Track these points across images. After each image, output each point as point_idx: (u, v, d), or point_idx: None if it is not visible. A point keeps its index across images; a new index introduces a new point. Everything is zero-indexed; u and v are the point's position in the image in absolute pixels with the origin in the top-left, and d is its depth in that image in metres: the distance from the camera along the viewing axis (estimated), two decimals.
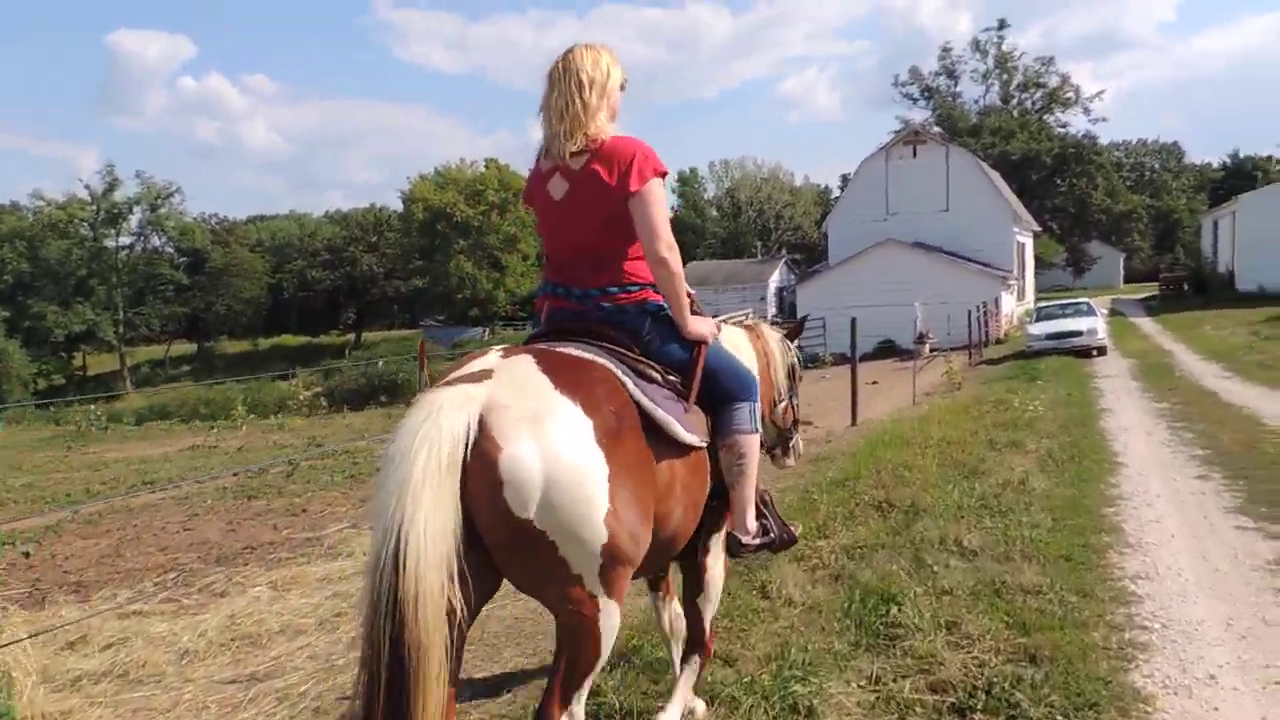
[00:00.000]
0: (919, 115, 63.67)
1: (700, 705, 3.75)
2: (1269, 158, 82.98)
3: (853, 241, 37.18)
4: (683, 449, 2.90)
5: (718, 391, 3.20)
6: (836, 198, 54.26)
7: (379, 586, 2.16)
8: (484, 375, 2.47)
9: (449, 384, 2.45)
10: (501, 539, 2.37)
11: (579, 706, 2.55)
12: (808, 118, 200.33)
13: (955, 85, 71.69)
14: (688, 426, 2.91)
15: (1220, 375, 16.89)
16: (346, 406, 35.82)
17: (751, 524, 3.36)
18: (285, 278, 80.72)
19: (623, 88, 3.16)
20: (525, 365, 2.54)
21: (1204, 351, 21.65)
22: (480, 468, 2.29)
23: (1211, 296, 39.64)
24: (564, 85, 3.01)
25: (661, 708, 3.54)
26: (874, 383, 21.07)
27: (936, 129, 51.60)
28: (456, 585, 2.21)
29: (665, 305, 3.11)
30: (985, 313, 29.15)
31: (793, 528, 3.80)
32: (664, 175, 3.04)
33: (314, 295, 79.61)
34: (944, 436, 10.00)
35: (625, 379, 2.77)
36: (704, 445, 3.05)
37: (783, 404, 4.21)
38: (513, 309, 71.70)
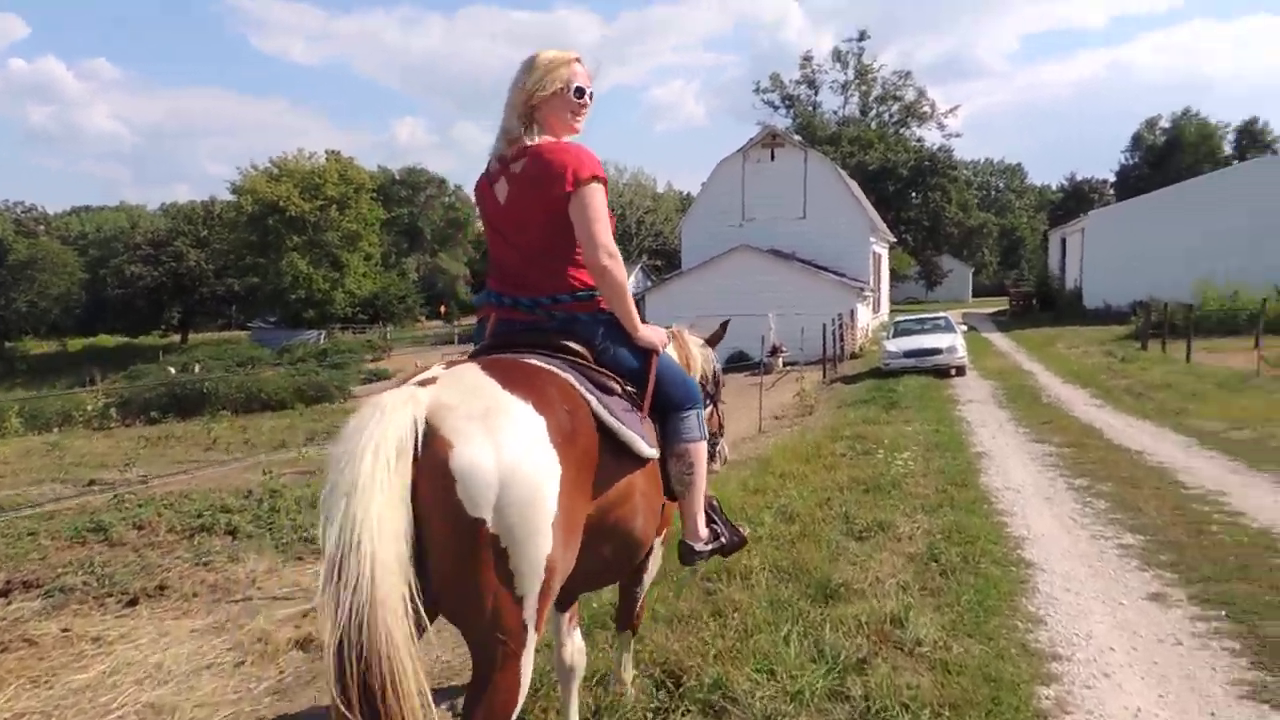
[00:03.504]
0: (780, 123, 62.92)
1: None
2: (1104, 181, 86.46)
3: (707, 246, 35.43)
4: (641, 459, 2.86)
5: (665, 400, 3.14)
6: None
7: (340, 596, 2.07)
8: (429, 381, 2.42)
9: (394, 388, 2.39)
10: (451, 544, 2.25)
11: None
12: (676, 126, 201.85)
13: (816, 95, 72.18)
14: (647, 439, 2.88)
15: (1091, 403, 15.43)
16: (140, 419, 31.54)
17: (703, 530, 3.32)
18: (107, 273, 73.86)
19: (581, 94, 3.08)
20: (471, 370, 2.52)
21: (1064, 373, 20.74)
22: (430, 468, 2.22)
23: (1060, 312, 39.99)
24: (511, 89, 3.03)
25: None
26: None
27: (796, 136, 50.67)
28: (413, 589, 2.14)
29: (613, 315, 3.06)
30: (841, 325, 27.69)
31: (741, 529, 3.70)
32: (603, 180, 2.95)
33: (134, 293, 72.98)
34: (785, 506, 7.43)
35: (586, 392, 2.71)
36: (657, 455, 3.01)
37: (707, 409, 3.85)
38: (352, 311, 67.48)
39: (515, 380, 2.46)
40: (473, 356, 2.86)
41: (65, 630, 5.62)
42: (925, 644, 4.31)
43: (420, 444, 2.21)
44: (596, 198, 2.89)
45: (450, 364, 2.59)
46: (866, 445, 11.00)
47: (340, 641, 2.07)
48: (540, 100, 3.00)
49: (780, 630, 4.45)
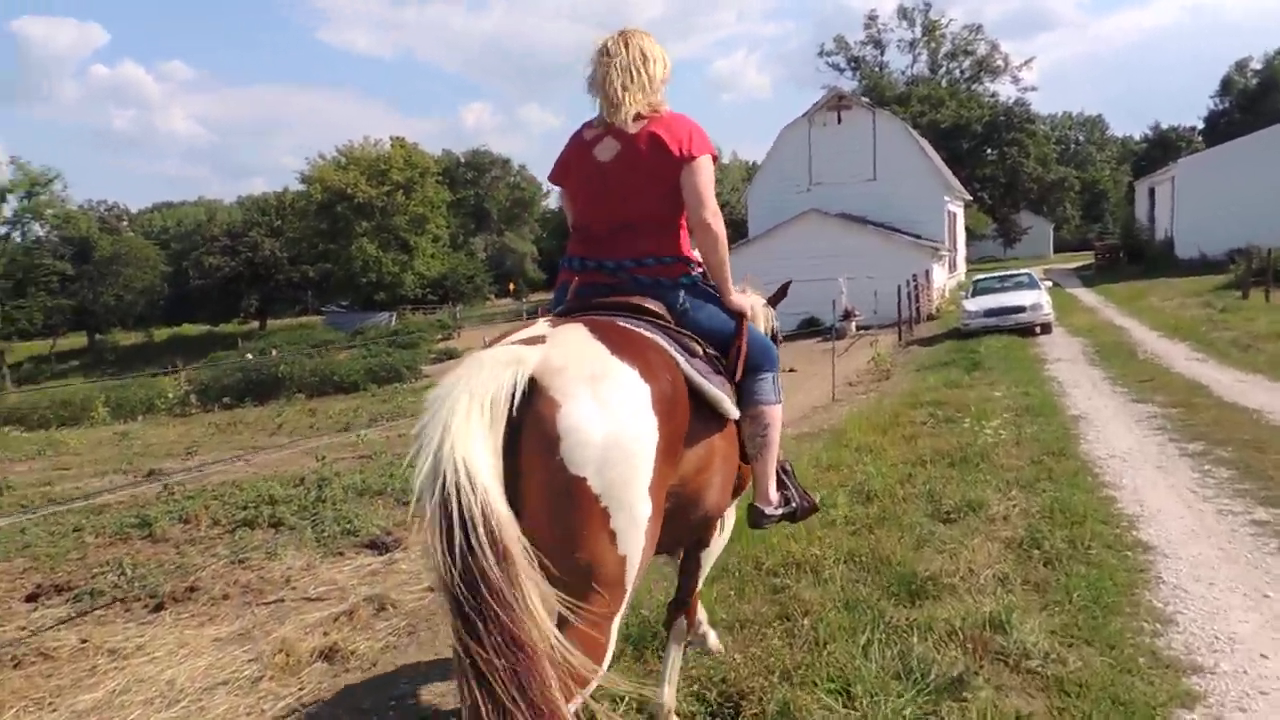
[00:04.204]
0: (846, 85, 61.18)
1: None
2: (1192, 128, 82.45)
3: (774, 213, 34.37)
4: (722, 422, 2.88)
5: (746, 362, 3.10)
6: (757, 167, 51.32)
7: (446, 521, 2.05)
8: (537, 340, 2.40)
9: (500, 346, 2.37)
10: (551, 500, 2.22)
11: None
12: (740, 97, 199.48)
13: (882, 55, 70.02)
14: (732, 401, 2.92)
15: (1193, 358, 14.21)
16: (218, 405, 32.03)
17: (774, 494, 3.28)
18: (188, 265, 75.57)
19: (665, 83, 3.16)
20: (579, 332, 2.49)
21: (1160, 327, 19.29)
22: (535, 425, 2.21)
23: (1150, 264, 37.94)
24: (627, 57, 3.04)
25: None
26: (791, 370, 17.94)
27: (864, 97, 49.04)
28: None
29: (697, 279, 3.10)
30: (916, 287, 26.64)
31: (812, 495, 3.65)
32: (715, 158, 3.06)
33: (213, 283, 74.55)
34: (861, 484, 6.71)
35: (674, 353, 2.71)
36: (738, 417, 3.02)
37: None
38: (422, 292, 67.88)
39: (622, 346, 2.45)
40: (561, 316, 2.81)
41: (84, 641, 5.25)
42: (1034, 655, 3.59)
43: (526, 402, 2.20)
44: (709, 168, 3.01)
45: (556, 322, 2.59)
46: (949, 412, 10.18)
47: (453, 571, 2.04)
48: (663, 83, 3.11)
49: (858, 639, 3.79)
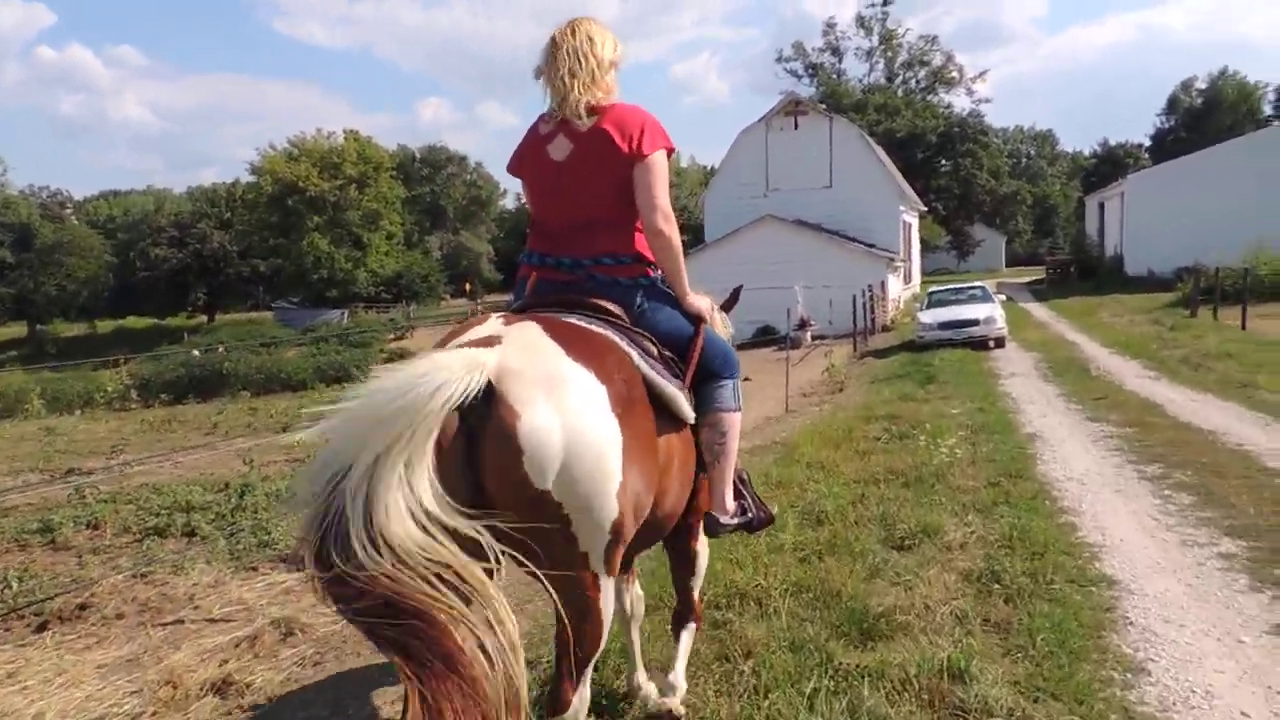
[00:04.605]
0: (804, 92, 61.19)
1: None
2: (1139, 145, 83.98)
3: (730, 218, 34.18)
4: (679, 425, 2.86)
5: (705, 368, 3.09)
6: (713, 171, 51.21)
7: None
8: (492, 340, 2.35)
9: (453, 347, 2.32)
10: (515, 511, 2.21)
11: (586, 686, 2.49)
12: (700, 101, 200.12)
13: (840, 63, 70.28)
14: (690, 402, 2.90)
15: (1145, 375, 14.14)
16: (158, 401, 30.99)
17: (730, 503, 3.25)
18: (135, 256, 73.71)
19: (615, 66, 3.08)
20: (533, 331, 2.44)
21: (1111, 343, 19.32)
22: (496, 436, 2.19)
23: (1100, 280, 38.38)
24: (574, 45, 2.96)
25: (667, 674, 3.59)
26: (746, 379, 17.59)
27: (821, 104, 49.06)
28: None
29: (656, 280, 3.07)
30: (871, 297, 26.48)
31: (769, 506, 3.61)
32: (671, 151, 2.98)
33: (160, 275, 72.80)
34: (811, 505, 6.35)
35: (631, 352, 2.68)
36: (694, 422, 2.99)
37: None
38: (376, 290, 66.83)
39: (576, 347, 2.41)
40: (516, 314, 2.76)
41: None
42: (997, 712, 3.23)
43: (484, 408, 2.17)
44: (663, 165, 2.94)
45: (509, 320, 2.54)
46: (903, 427, 9.90)
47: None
48: (611, 65, 3.03)
49: (804, 686, 3.43)
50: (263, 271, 73.44)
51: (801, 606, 4.42)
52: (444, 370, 2.11)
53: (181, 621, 5.32)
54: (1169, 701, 3.47)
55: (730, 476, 3.20)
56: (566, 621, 2.36)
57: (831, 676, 3.56)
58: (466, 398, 2.12)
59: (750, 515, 3.40)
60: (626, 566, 3.58)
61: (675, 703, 3.51)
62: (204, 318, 76.51)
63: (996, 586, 4.62)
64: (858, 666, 3.64)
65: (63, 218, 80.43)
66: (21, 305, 72.59)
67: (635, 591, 3.73)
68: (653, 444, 2.59)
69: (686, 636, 3.65)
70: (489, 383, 2.19)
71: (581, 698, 2.46)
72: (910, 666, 3.59)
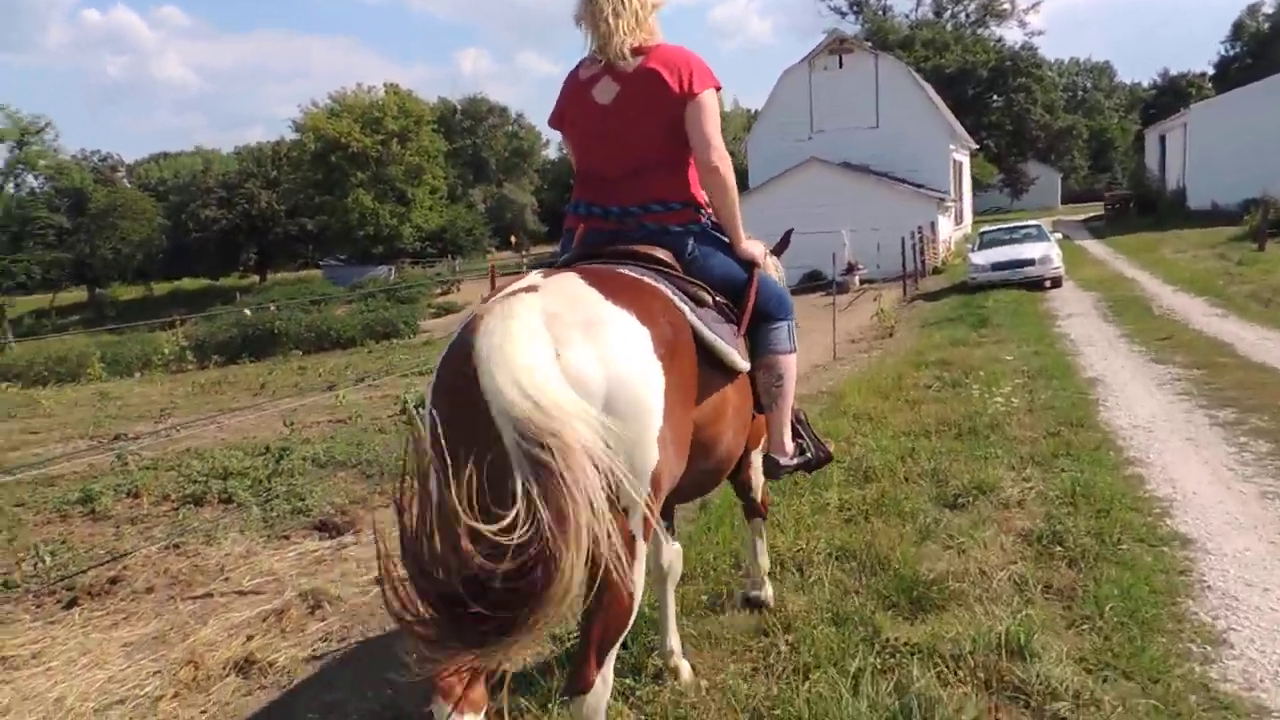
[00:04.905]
0: (849, 30, 59.60)
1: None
2: (1202, 74, 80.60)
3: (775, 162, 33.38)
4: (732, 372, 2.79)
5: (759, 312, 3.05)
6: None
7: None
8: (528, 289, 2.25)
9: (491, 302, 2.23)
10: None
11: (609, 668, 2.32)
12: (741, 44, 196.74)
13: None
14: (740, 352, 2.80)
15: (1211, 313, 13.50)
16: (214, 361, 31.41)
17: (789, 444, 3.23)
18: (187, 218, 74.59)
19: (657, 7, 2.99)
20: (572, 280, 2.38)
21: (1175, 280, 18.52)
22: None
23: (1161, 215, 36.85)
24: None
25: (749, 579, 4.02)
26: None
27: (866, 41, 47.68)
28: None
29: (706, 225, 2.98)
30: (920, 239, 25.78)
31: (828, 444, 3.63)
32: (719, 89, 2.91)
33: (210, 236, 73.61)
34: (858, 460, 6.05)
35: (680, 302, 2.60)
36: (748, 368, 2.94)
37: None
38: (421, 244, 66.91)
39: (617, 292, 2.35)
40: (564, 266, 2.72)
41: None
42: (1062, 695, 2.95)
43: None
44: (714, 103, 2.87)
45: (549, 273, 2.45)
46: (955, 374, 9.52)
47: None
48: (654, 6, 2.94)
49: (848, 666, 3.17)
50: (310, 230, 73.83)
51: (846, 574, 4.16)
52: (510, 316, 2.05)
53: (210, 595, 5.21)
54: (1255, 677, 3.15)
55: (788, 419, 3.20)
56: (593, 589, 2.16)
57: (878, 653, 3.30)
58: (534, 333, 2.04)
59: (809, 455, 3.42)
60: (668, 515, 3.58)
61: (767, 592, 3.95)
62: (256, 277, 77.34)
63: (1058, 549, 4.29)
64: (906, 643, 3.38)
65: (115, 182, 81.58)
66: (81, 270, 73.91)
67: (674, 547, 3.55)
68: (692, 396, 2.50)
69: (758, 537, 3.96)
70: None
71: (605, 679, 2.31)
72: (965, 641, 3.32)
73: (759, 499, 3.88)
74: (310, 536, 6.16)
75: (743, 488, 3.80)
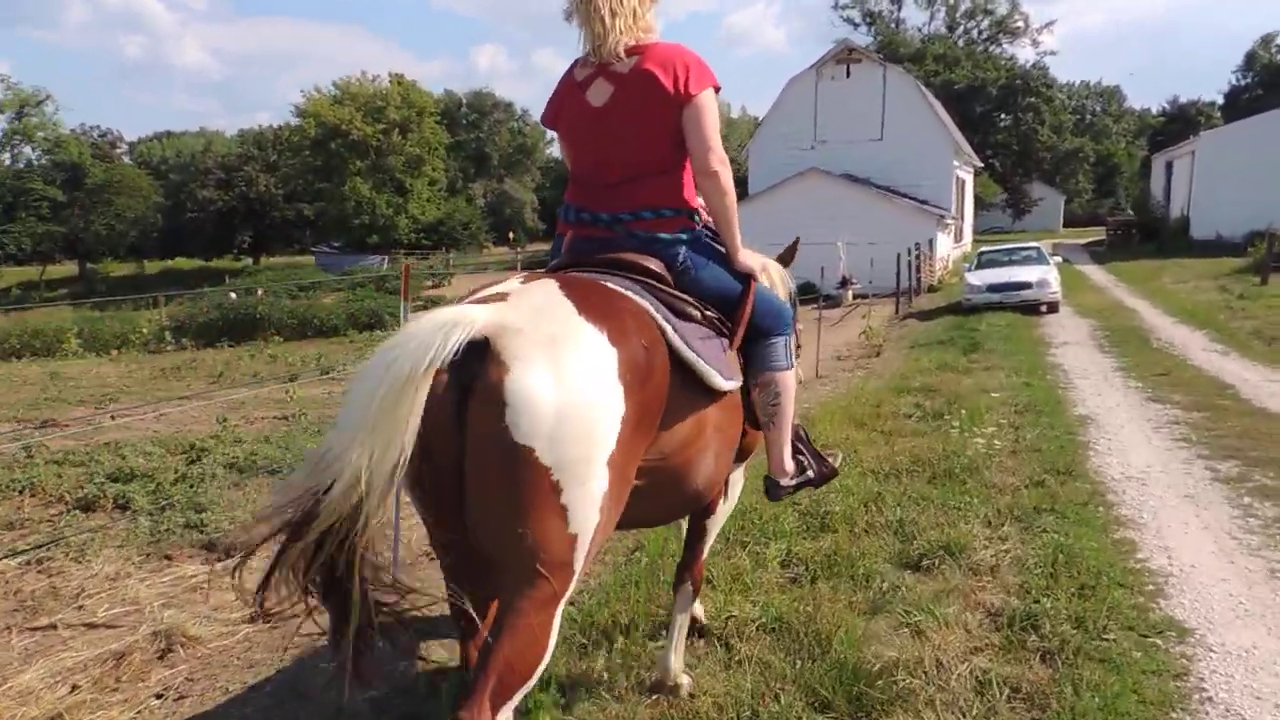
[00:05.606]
0: (860, 41, 59.05)
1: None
2: (1211, 103, 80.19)
3: (776, 171, 32.92)
4: (716, 390, 2.67)
5: (755, 327, 2.94)
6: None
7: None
8: (497, 298, 2.23)
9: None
10: (496, 470, 2.04)
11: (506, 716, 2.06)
12: (756, 52, 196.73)
13: (899, 10, 67.83)
14: (726, 371, 2.68)
15: (1212, 349, 12.86)
16: (195, 343, 30.73)
17: (789, 464, 3.12)
18: (185, 197, 74.04)
19: (655, 1, 2.88)
20: (547, 289, 2.31)
21: (1174, 311, 17.93)
22: (481, 392, 2.05)
23: (1164, 244, 36.22)
24: None
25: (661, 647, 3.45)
26: None
27: (876, 52, 47.11)
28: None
29: (701, 234, 2.90)
30: (917, 256, 25.13)
31: (831, 459, 3.47)
32: (718, 89, 2.79)
33: (206, 217, 73.02)
34: (817, 502, 5.32)
35: (661, 319, 2.50)
36: (739, 387, 2.82)
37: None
38: (417, 237, 66.25)
39: (592, 305, 2.24)
40: (548, 273, 2.59)
41: None
42: None
43: (476, 365, 2.03)
44: (713, 104, 2.75)
45: (527, 279, 2.38)
46: (939, 404, 8.83)
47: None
48: (651, 3, 2.80)
49: None
50: (308, 215, 73.29)
51: (779, 655, 3.46)
52: (411, 339, 1.95)
53: (54, 627, 4.49)
54: None
55: (787, 439, 3.07)
56: (503, 627, 2.04)
57: None
58: (444, 358, 1.95)
59: (811, 474, 3.28)
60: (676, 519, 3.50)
61: (682, 679, 3.38)
62: (249, 260, 76.71)
63: (1032, 636, 3.59)
64: None
65: (113, 158, 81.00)
66: (73, 244, 73.35)
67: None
68: (665, 415, 2.41)
69: (682, 614, 3.41)
70: (486, 339, 2.04)
71: None
72: None
73: (703, 554, 3.45)
74: (195, 558, 5.46)
75: (696, 523, 3.38)
